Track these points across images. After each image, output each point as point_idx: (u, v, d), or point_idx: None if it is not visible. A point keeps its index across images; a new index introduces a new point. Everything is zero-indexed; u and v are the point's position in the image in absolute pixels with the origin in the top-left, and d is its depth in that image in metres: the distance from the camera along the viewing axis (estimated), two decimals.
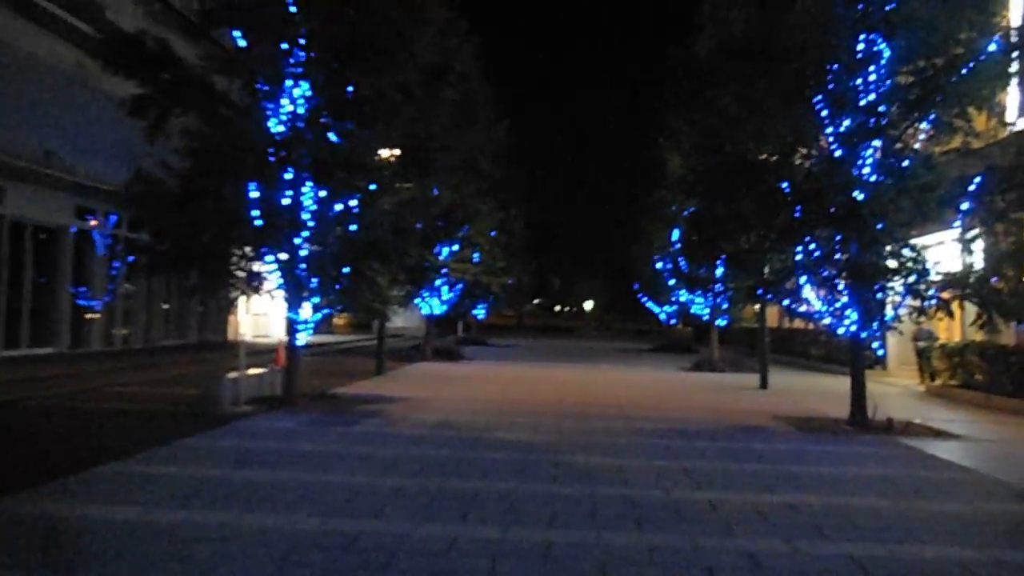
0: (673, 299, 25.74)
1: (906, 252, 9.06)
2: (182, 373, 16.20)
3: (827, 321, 10.94)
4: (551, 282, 79.99)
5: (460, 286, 22.03)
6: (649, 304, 34.60)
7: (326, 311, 11.85)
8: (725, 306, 21.55)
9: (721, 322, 22.19)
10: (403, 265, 11.38)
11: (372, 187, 10.53)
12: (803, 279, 10.69)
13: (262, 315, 29.83)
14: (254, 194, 9.88)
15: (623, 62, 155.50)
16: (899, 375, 20.40)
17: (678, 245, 21.42)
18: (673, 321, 33.76)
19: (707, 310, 21.60)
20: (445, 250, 21.21)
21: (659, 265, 23.53)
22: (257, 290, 10.79)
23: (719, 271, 17.97)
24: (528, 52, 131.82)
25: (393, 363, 20.07)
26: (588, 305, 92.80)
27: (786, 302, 11.67)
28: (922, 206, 8.82)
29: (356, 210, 10.32)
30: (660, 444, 8.82)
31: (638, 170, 27.96)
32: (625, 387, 15.97)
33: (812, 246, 9.78)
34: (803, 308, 11.09)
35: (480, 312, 35.09)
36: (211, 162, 9.85)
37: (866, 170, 9.02)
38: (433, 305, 22.00)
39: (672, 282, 22.41)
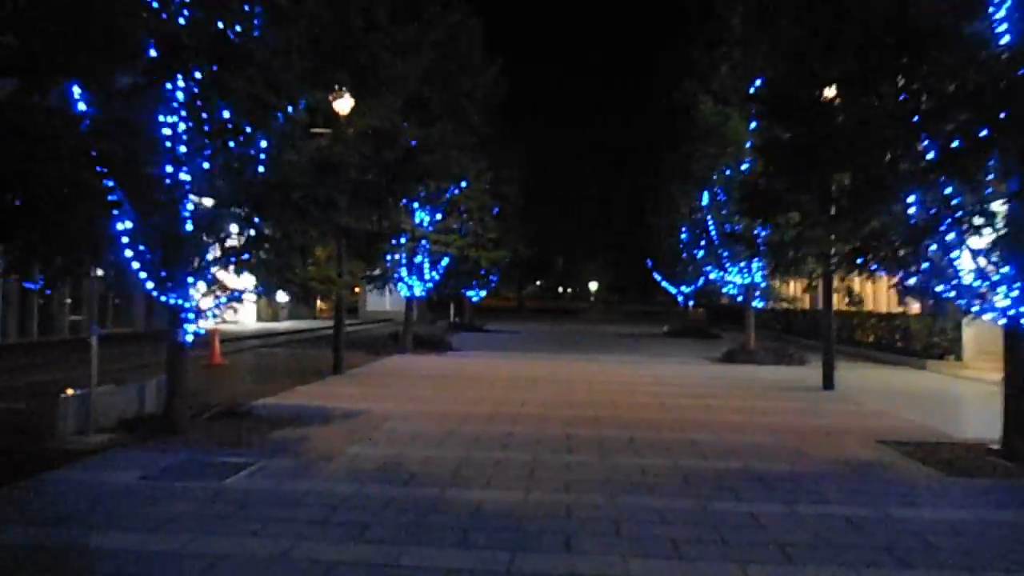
0: (698, 275, 22.04)
1: None
2: (53, 380, 12.57)
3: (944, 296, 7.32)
4: (554, 261, 76.04)
5: (446, 262, 18.33)
6: (664, 283, 30.90)
7: (233, 295, 8.18)
8: (763, 284, 17.85)
9: (758, 303, 18.51)
10: (336, 226, 7.71)
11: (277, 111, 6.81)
12: (950, 236, 6.96)
13: None
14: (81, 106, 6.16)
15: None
16: (977, 367, 16.74)
17: (708, 211, 17.68)
18: (691, 302, 30.09)
19: (741, 288, 17.93)
20: (424, 216, 17.54)
21: (683, 235, 19.76)
22: (93, 264, 7.15)
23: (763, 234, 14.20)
24: None
25: (362, 357, 16.48)
26: (593, 286, 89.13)
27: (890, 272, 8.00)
28: None
29: (252, 134, 6.63)
30: (738, 513, 5.20)
31: (658, 126, 24.02)
32: (651, 388, 12.34)
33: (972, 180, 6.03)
34: (937, 284, 7.38)
35: (474, 294, 31.48)
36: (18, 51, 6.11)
37: None
38: (414, 285, 18.33)
39: (700, 255, 18.71)
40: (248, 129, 6.60)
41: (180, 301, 7.63)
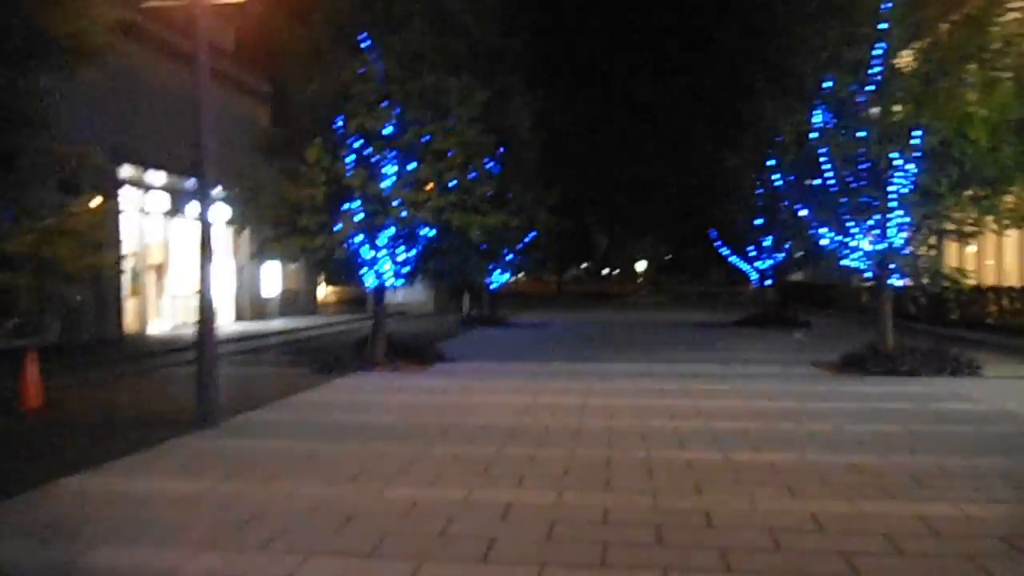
0: (801, 241, 15.76)
1: None
2: None
3: None
4: (597, 242, 69.29)
5: (430, 234, 12.50)
6: (733, 259, 24.61)
7: None
8: (905, 248, 11.58)
9: (896, 280, 12.25)
10: None
11: None
12: None
13: (182, 297, 20.78)
14: None
15: None
16: None
17: (822, 136, 11.40)
18: (769, 282, 23.64)
19: (866, 257, 11.75)
20: (391, 169, 11.75)
21: (777, 181, 13.41)
22: None
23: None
24: None
25: (297, 378, 10.92)
26: (641, 266, 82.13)
27: None
28: None
29: None
30: None
31: (728, 46, 17.31)
32: (770, 459, 6.42)
33: None
34: None
35: (498, 279, 25.54)
36: None
37: None
38: (382, 271, 12.62)
39: (803, 212, 12.44)
40: None
41: None
